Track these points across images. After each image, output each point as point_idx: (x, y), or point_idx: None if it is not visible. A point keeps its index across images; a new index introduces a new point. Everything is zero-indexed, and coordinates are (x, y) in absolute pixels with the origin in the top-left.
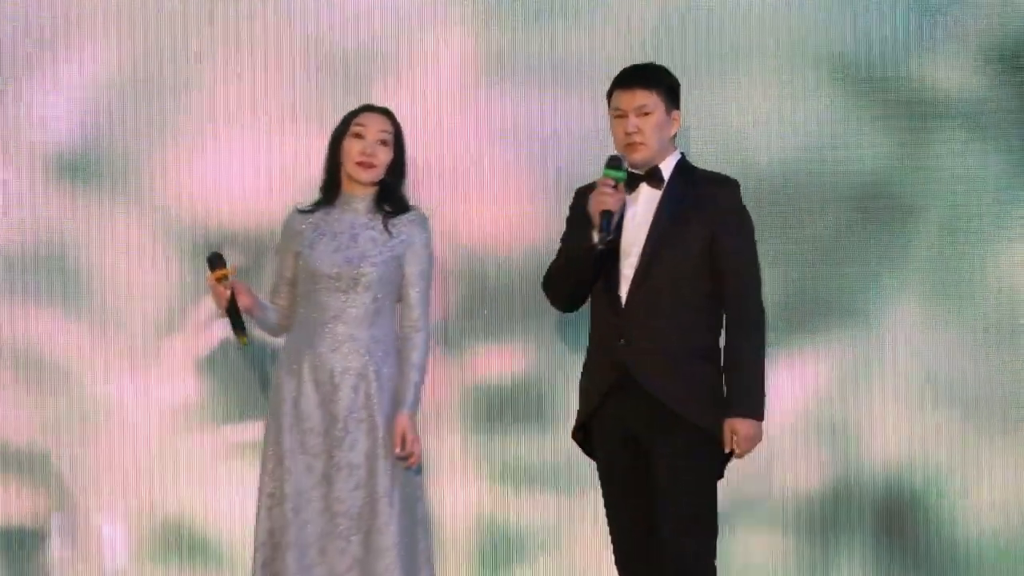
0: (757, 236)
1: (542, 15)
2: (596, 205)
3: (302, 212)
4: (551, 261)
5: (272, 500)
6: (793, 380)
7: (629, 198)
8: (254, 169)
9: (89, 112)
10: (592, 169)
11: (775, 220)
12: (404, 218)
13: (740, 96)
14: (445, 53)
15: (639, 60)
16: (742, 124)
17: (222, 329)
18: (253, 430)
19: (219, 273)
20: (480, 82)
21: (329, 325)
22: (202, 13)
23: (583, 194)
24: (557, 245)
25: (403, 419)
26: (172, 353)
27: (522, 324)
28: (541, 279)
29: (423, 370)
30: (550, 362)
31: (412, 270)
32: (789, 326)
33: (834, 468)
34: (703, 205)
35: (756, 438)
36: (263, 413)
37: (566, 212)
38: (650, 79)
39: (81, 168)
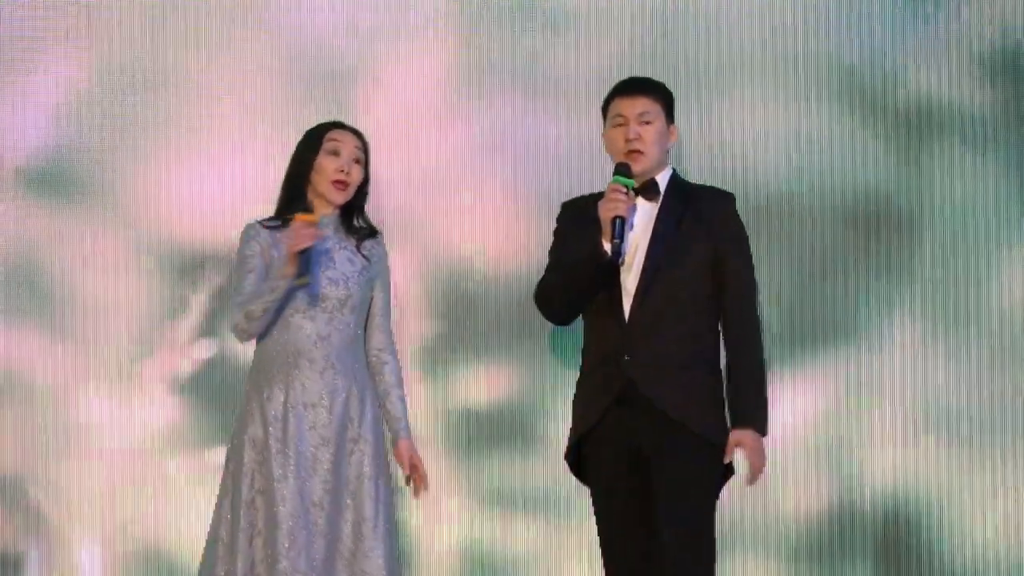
0: (755, 251)
1: (527, 24)
2: (608, 211)
3: (268, 228)
4: (541, 276)
5: (252, 531)
6: (789, 401)
7: None
8: (232, 183)
9: (60, 125)
10: (578, 182)
11: (771, 236)
12: (373, 241)
13: (734, 109)
14: (426, 63)
15: (628, 72)
16: (736, 138)
17: (205, 347)
18: None
19: (310, 217)
20: (462, 93)
21: (314, 349)
22: (177, 25)
23: (571, 207)
24: (543, 261)
25: (407, 444)
26: (150, 374)
27: (507, 344)
28: (532, 294)
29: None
30: (536, 383)
31: (381, 295)
32: (785, 346)
33: (833, 493)
34: (703, 219)
35: (763, 452)
36: None
37: (552, 226)
38: (653, 88)
39: (52, 183)
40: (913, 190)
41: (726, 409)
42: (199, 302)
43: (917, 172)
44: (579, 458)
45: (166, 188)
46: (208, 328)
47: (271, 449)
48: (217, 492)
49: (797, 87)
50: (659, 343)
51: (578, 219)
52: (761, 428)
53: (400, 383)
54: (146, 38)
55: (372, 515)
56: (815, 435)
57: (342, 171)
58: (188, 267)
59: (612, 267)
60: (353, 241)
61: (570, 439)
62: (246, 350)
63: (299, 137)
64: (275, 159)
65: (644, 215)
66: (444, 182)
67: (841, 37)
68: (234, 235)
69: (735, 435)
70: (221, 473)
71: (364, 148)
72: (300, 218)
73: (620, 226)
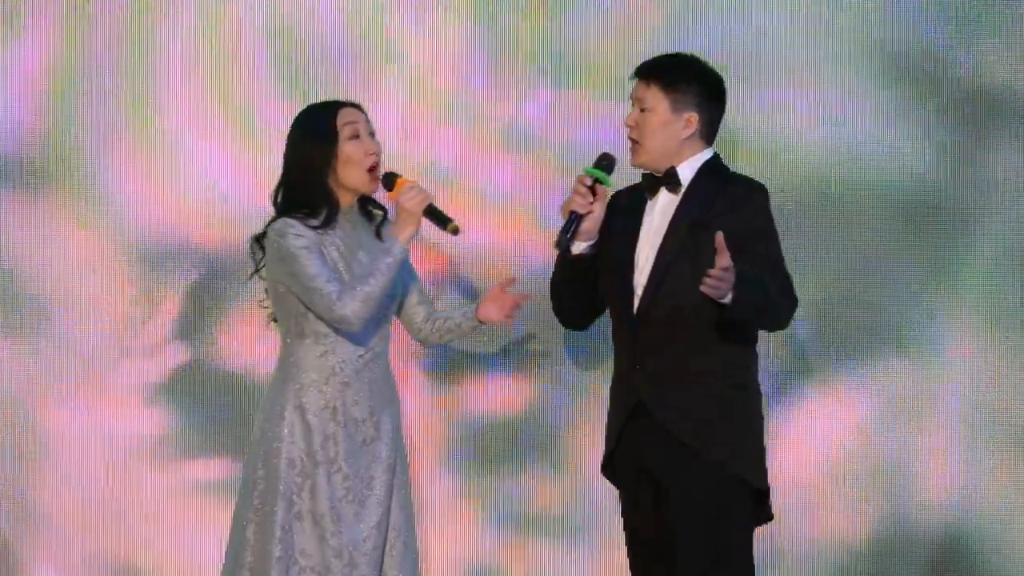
0: (789, 252)
1: (546, 2)
2: (565, 203)
3: (311, 226)
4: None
5: (289, 560)
6: (831, 416)
7: (648, 204)
8: (214, 177)
9: (30, 114)
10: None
11: (810, 234)
12: (387, 223)
13: (771, 94)
14: (437, 46)
15: (656, 53)
16: (774, 125)
17: (182, 351)
18: (219, 467)
19: (405, 182)
20: (477, 78)
21: (368, 362)
22: (157, 7)
23: (618, 199)
24: None
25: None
26: (125, 379)
27: (521, 349)
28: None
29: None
30: (554, 392)
31: (411, 278)
32: (827, 354)
33: (882, 515)
34: (724, 212)
35: (716, 290)
36: (230, 446)
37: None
38: (655, 72)
39: (13, 177)
40: (968, 182)
41: (752, 430)
42: (172, 302)
43: (971, 164)
44: (613, 470)
45: (136, 181)
46: (182, 330)
47: (319, 469)
48: (233, 512)
49: (840, 72)
50: (671, 351)
51: (611, 213)
52: (735, 295)
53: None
54: (126, 20)
55: (400, 529)
56: (860, 452)
57: (373, 153)
58: (161, 265)
59: (570, 261)
60: (372, 230)
61: (604, 450)
62: (224, 354)
63: (285, 127)
64: (260, 151)
65: (664, 208)
66: (457, 175)
67: (891, 19)
68: (210, 229)
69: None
70: (239, 492)
71: (367, 116)
72: (405, 181)
73: (570, 222)
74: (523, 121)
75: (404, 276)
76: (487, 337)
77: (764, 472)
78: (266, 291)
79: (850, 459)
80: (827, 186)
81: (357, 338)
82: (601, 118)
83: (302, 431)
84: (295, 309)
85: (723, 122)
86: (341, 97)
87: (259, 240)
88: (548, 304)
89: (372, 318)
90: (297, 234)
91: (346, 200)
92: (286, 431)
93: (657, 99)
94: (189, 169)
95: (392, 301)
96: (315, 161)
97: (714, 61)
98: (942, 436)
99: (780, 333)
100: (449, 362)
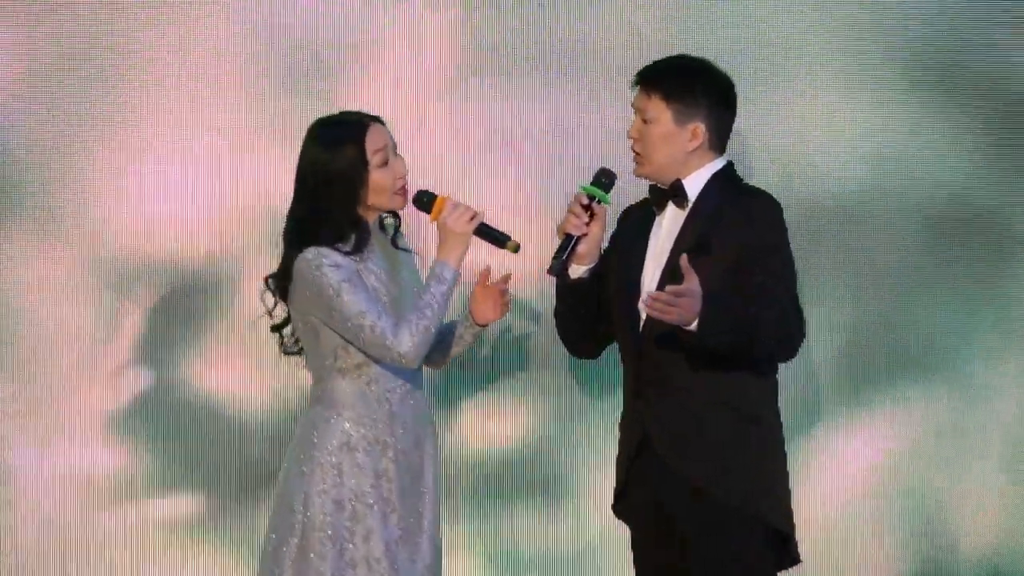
0: (809, 271)
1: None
2: (561, 224)
3: (347, 254)
4: None
5: None
6: (864, 448)
7: (656, 220)
8: (189, 192)
9: None
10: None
11: (838, 249)
12: (400, 233)
13: (792, 96)
14: (425, 41)
15: (664, 51)
16: (795, 130)
17: (147, 375)
18: (190, 504)
19: (445, 200)
20: (471, 75)
21: (411, 390)
22: (125, 20)
23: (622, 217)
24: None
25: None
26: (85, 406)
27: (525, 375)
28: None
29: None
30: (560, 423)
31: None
32: (858, 381)
33: (920, 555)
34: (732, 229)
35: (688, 309)
36: (203, 480)
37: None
38: (656, 81)
39: None
40: (1008, 195)
41: (768, 467)
42: (137, 323)
43: (1013, 173)
44: (626, 510)
45: (99, 195)
46: (147, 353)
47: (373, 511)
48: (260, 564)
49: (867, 73)
50: (676, 381)
51: (621, 231)
52: (702, 320)
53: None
54: (96, 25)
55: (429, 567)
56: (893, 488)
57: (402, 176)
58: (123, 285)
59: (568, 286)
60: (389, 239)
61: (615, 488)
62: (195, 379)
63: (267, 137)
64: (231, 162)
65: (671, 224)
66: (449, 180)
67: (925, 16)
68: (179, 245)
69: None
70: (267, 541)
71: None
72: (446, 199)
73: (566, 244)
74: (520, 124)
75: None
76: (489, 356)
77: (787, 513)
78: (275, 327)
79: (881, 497)
80: (852, 198)
81: (393, 372)
82: (601, 119)
83: (351, 470)
84: (333, 342)
85: (735, 128)
86: (330, 105)
87: (278, 279)
88: (549, 329)
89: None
90: (333, 264)
91: (370, 218)
92: (332, 471)
93: (659, 110)
94: (155, 182)
95: None
96: (341, 191)
97: (724, 62)
98: (980, 473)
99: (802, 360)
100: (450, 389)
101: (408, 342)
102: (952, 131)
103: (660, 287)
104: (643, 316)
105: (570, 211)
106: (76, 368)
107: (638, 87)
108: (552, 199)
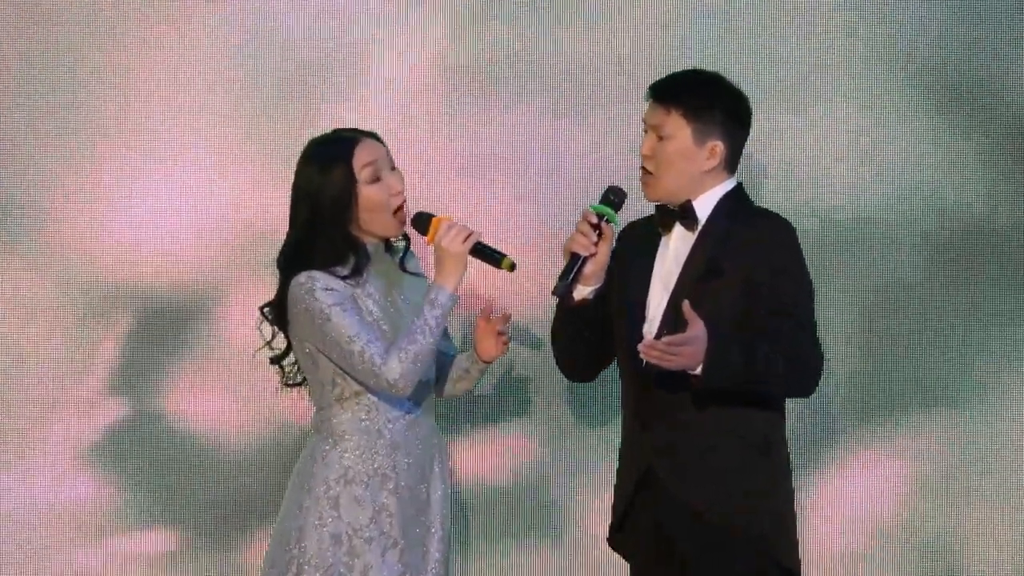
0: (825, 291)
1: (537, 7)
2: (568, 243)
3: (342, 278)
4: None
5: None
6: (874, 482)
7: (663, 241)
8: (173, 211)
9: None
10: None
11: (847, 272)
12: (409, 256)
13: (800, 113)
14: (415, 55)
15: (659, 67)
16: (803, 149)
17: (120, 407)
18: (167, 539)
19: (441, 220)
20: (460, 93)
21: (417, 419)
22: (98, 37)
23: (625, 234)
24: None
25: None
26: (56, 437)
27: (522, 403)
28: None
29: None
30: (561, 452)
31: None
32: (869, 412)
33: None
34: (744, 254)
35: (692, 355)
36: (181, 515)
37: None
38: (676, 95)
39: None
40: None
41: (777, 500)
42: (113, 350)
43: None
44: (624, 543)
45: (72, 214)
46: (123, 382)
47: (372, 546)
48: None
49: (877, 87)
50: (683, 411)
51: (624, 248)
52: (708, 366)
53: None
54: (74, 32)
55: None
56: (904, 526)
57: (398, 193)
58: (98, 309)
59: (570, 310)
60: (397, 263)
61: (611, 521)
62: (173, 409)
63: (249, 153)
64: (222, 179)
65: (679, 247)
66: (440, 200)
67: (934, 25)
68: (157, 268)
69: (696, 332)
70: (262, 570)
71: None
72: (441, 220)
73: (573, 264)
74: (514, 136)
75: None
76: (482, 383)
77: (794, 548)
78: (274, 359)
79: (893, 533)
80: (863, 219)
81: (396, 401)
82: (600, 137)
83: (349, 504)
84: (330, 370)
85: (746, 147)
86: (318, 125)
87: (274, 307)
88: (545, 353)
89: (346, 385)
90: (326, 288)
91: (372, 242)
92: (329, 504)
93: (678, 126)
94: (133, 201)
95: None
96: (331, 211)
97: (737, 79)
98: (999, 508)
99: None
100: (443, 418)
101: (397, 369)
102: (961, 151)
103: (667, 314)
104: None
105: (578, 230)
106: (48, 396)
107: (652, 101)
108: (549, 219)
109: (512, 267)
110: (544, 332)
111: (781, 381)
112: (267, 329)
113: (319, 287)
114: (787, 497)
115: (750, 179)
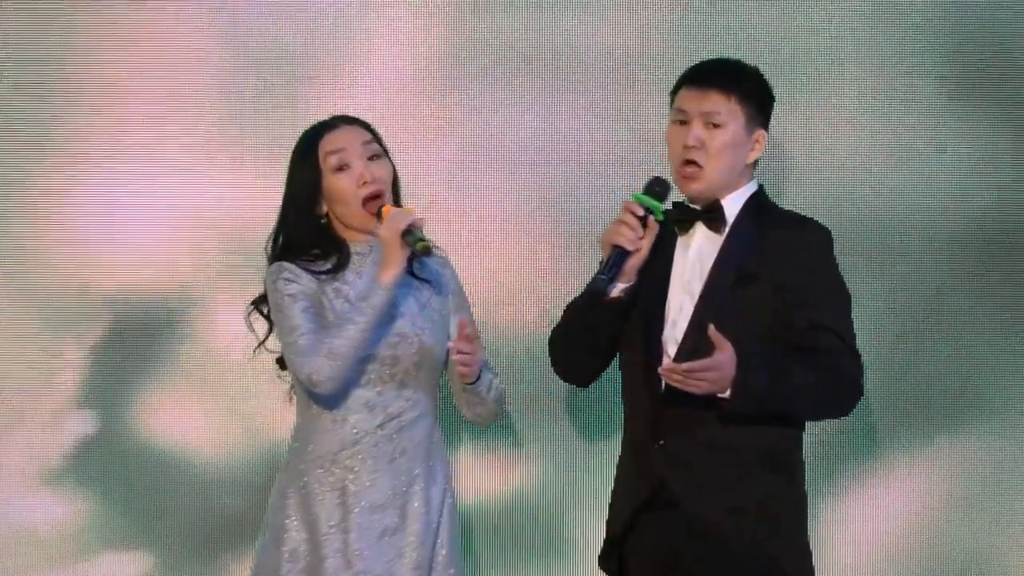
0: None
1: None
2: (608, 236)
3: (311, 271)
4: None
5: None
6: (899, 498)
7: (680, 241)
8: (144, 212)
9: None
10: (608, 198)
11: (871, 275)
12: (431, 262)
13: (818, 109)
14: (405, 46)
15: (668, 56)
16: (822, 146)
17: (89, 422)
18: (138, 561)
19: (391, 209)
20: (453, 84)
21: (393, 433)
22: (88, 13)
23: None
24: (563, 300)
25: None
26: (18, 457)
27: (519, 414)
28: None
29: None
30: (560, 467)
31: (464, 316)
32: (895, 422)
33: None
34: (777, 259)
35: (718, 380)
36: (150, 538)
37: (577, 260)
38: (732, 79)
39: None
40: None
41: (797, 521)
42: (78, 362)
43: None
44: (620, 563)
45: (37, 218)
46: (89, 396)
47: (325, 565)
48: None
49: (901, 75)
50: (703, 427)
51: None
52: (737, 392)
53: (502, 388)
54: (49, 28)
55: None
56: (928, 546)
57: (367, 182)
58: (66, 318)
59: (604, 308)
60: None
61: (606, 538)
62: (141, 424)
63: (233, 156)
64: (192, 185)
65: (703, 249)
66: (430, 199)
67: (959, 16)
68: (129, 274)
69: (726, 358)
70: None
71: (374, 135)
72: (391, 209)
73: (616, 259)
74: (510, 131)
75: (451, 316)
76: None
77: (810, 570)
78: (280, 359)
79: (915, 553)
80: (885, 219)
81: (368, 397)
82: (625, 134)
83: (304, 517)
84: None
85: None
86: (303, 118)
87: (259, 302)
88: (539, 364)
89: (350, 378)
90: (288, 279)
91: (353, 237)
92: (290, 517)
93: (734, 112)
94: (100, 201)
95: (412, 352)
96: (300, 202)
97: (748, 58)
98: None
99: None
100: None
101: (313, 363)
102: (991, 145)
103: (693, 323)
104: (669, 351)
105: (622, 222)
106: (9, 410)
107: (701, 87)
108: (555, 222)
109: (426, 251)
110: (534, 336)
111: (815, 406)
112: (261, 326)
113: (282, 277)
114: (804, 518)
115: (770, 179)
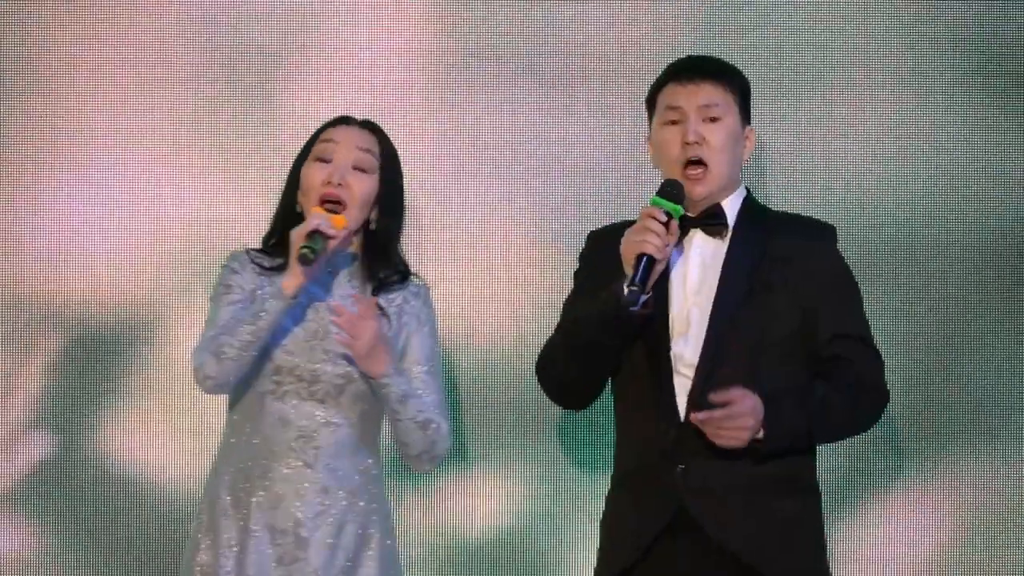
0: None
1: None
2: (632, 245)
3: (258, 264)
4: (549, 336)
5: None
6: (918, 522)
7: (675, 250)
8: (108, 219)
9: None
10: (605, 205)
11: (887, 288)
12: (401, 291)
13: (831, 108)
14: (393, 43)
15: (676, 54)
16: (835, 149)
17: (46, 444)
18: None
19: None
20: (449, 88)
21: (295, 449)
22: (52, 10)
23: (599, 240)
24: (555, 315)
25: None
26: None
27: (510, 441)
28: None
29: (431, 443)
30: (553, 498)
31: (415, 355)
32: (904, 445)
33: None
34: (789, 265)
35: (747, 427)
36: (113, 567)
37: (572, 265)
38: (722, 69)
39: None
40: None
41: (818, 545)
42: (33, 380)
43: None
44: None
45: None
46: (48, 418)
47: None
48: None
49: (920, 75)
50: (727, 451)
51: (610, 257)
52: (772, 426)
53: (434, 424)
54: (25, 23)
55: None
56: (960, 568)
57: (329, 183)
58: (20, 332)
59: (628, 321)
60: (369, 292)
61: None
62: (103, 447)
63: (220, 156)
64: (160, 189)
65: (705, 257)
66: (422, 206)
67: (984, 7)
68: (89, 285)
69: (750, 401)
70: None
71: (380, 149)
72: (318, 209)
73: (645, 267)
74: (506, 134)
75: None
76: (468, 417)
77: None
78: None
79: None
80: (903, 227)
81: (284, 412)
82: (621, 137)
83: (210, 529)
84: None
85: (766, 142)
86: (278, 120)
87: None
88: (528, 387)
89: (238, 382)
90: (233, 269)
91: (334, 244)
92: (200, 530)
93: (729, 104)
94: (60, 208)
95: (336, 373)
96: (289, 187)
97: (755, 62)
98: None
99: None
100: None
101: (200, 356)
102: (1016, 148)
103: (710, 337)
104: (679, 368)
105: (647, 229)
106: None
107: (695, 77)
108: (551, 229)
109: (303, 259)
110: (527, 356)
111: (848, 426)
112: None
113: (228, 265)
114: (824, 541)
115: (766, 180)
